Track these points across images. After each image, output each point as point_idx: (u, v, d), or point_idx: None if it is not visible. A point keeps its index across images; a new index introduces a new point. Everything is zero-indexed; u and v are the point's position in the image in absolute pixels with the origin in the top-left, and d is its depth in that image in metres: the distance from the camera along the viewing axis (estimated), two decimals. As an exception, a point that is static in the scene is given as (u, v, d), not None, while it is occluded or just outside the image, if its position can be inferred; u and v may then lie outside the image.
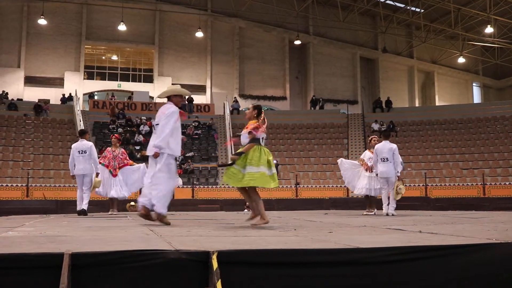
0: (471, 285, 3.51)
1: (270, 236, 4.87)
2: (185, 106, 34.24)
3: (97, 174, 11.35)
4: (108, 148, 12.47)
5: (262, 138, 6.98)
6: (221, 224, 7.11)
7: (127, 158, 12.26)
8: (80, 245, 3.65)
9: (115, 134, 12.89)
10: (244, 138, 6.92)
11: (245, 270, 3.24)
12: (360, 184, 11.59)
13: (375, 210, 11.58)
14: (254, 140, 6.84)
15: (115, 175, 11.88)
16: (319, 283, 3.28)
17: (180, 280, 3.16)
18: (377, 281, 3.36)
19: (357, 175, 11.76)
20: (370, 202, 11.66)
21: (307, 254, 3.40)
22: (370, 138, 12.01)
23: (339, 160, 12.28)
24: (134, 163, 12.58)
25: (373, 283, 3.35)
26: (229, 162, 6.89)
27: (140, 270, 3.12)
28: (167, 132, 6.86)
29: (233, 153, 7.22)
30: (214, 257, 3.14)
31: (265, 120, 7.13)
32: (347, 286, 3.32)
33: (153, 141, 6.96)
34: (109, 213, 11.92)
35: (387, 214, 10.78)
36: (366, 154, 11.89)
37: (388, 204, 10.98)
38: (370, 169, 11.54)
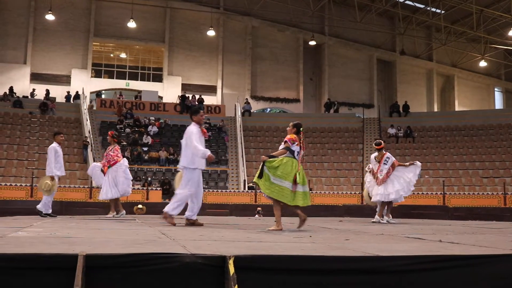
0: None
1: (285, 242, 4.87)
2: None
3: (52, 178, 11.04)
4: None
5: (298, 152, 7.45)
6: (233, 229, 7.25)
7: (119, 155, 11.48)
8: (93, 247, 3.68)
9: (110, 131, 12.36)
10: (281, 147, 7.51)
11: (262, 276, 3.22)
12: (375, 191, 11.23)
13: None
14: (288, 150, 7.35)
15: (104, 173, 11.33)
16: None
17: (196, 284, 3.15)
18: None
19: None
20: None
21: (326, 261, 3.38)
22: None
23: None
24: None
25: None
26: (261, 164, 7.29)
27: (154, 274, 3.12)
28: None
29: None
30: (231, 262, 3.12)
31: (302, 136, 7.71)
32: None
33: None
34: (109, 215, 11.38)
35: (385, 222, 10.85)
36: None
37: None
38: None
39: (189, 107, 33.59)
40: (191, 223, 8.07)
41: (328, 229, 7.91)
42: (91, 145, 27.20)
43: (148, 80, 38.95)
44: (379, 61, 43.21)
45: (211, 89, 39.07)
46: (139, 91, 36.57)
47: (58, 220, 9.26)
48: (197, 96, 34.48)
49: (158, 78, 38.84)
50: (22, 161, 26.21)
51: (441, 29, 39.75)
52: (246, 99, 36.74)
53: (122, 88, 37.53)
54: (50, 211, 11.22)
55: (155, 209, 20.36)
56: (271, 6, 37.91)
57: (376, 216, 10.97)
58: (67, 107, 32.36)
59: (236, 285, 3.02)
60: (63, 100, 33.81)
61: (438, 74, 44.58)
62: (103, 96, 36.20)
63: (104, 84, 38.34)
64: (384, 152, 11.22)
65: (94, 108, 33.21)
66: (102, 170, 11.31)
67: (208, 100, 36.43)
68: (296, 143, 7.47)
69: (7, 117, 29.54)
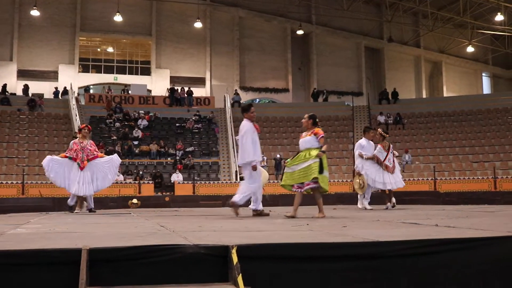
0: (493, 277, 3.53)
1: (284, 230, 4.92)
2: (184, 99, 33.49)
3: None
4: (74, 140, 11.26)
5: None
6: (229, 220, 7.25)
7: (97, 149, 11.30)
8: (95, 241, 3.63)
9: (88, 125, 11.80)
10: (314, 140, 7.77)
11: (266, 264, 3.25)
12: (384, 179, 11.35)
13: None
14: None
15: (82, 168, 10.79)
16: (340, 276, 3.32)
17: (199, 275, 3.16)
18: (398, 274, 3.39)
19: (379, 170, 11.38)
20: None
21: (329, 248, 3.42)
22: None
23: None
24: (105, 156, 11.57)
25: (394, 276, 3.38)
26: (317, 159, 7.55)
27: (158, 265, 3.14)
28: None
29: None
30: (234, 251, 3.13)
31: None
32: (368, 279, 3.34)
33: None
34: (75, 211, 10.93)
35: (365, 208, 11.01)
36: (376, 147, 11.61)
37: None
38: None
39: (178, 100, 33.55)
40: (258, 213, 8.21)
41: (324, 217, 7.88)
42: (81, 141, 27.01)
43: (136, 74, 38.67)
44: (367, 48, 43.14)
45: (200, 81, 38.85)
46: (127, 85, 36.34)
47: (55, 216, 9.21)
48: (186, 89, 34.35)
49: (146, 72, 38.57)
50: (12, 159, 25.94)
51: (428, 15, 39.80)
52: (235, 90, 36.57)
53: (110, 83, 37.21)
54: (73, 203, 11.09)
55: (148, 202, 20.37)
56: (258, -4, 37.80)
57: (393, 202, 11.11)
58: (56, 103, 32.07)
59: (240, 274, 3.01)
60: (51, 96, 33.51)
61: (426, 61, 44.63)
62: (91, 91, 35.89)
63: (92, 79, 38.00)
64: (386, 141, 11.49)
65: (82, 102, 33.00)
66: (78, 164, 10.74)
67: (197, 92, 36.24)
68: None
69: (-5, 115, 29.30)
